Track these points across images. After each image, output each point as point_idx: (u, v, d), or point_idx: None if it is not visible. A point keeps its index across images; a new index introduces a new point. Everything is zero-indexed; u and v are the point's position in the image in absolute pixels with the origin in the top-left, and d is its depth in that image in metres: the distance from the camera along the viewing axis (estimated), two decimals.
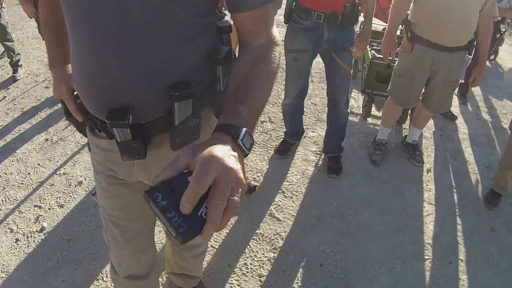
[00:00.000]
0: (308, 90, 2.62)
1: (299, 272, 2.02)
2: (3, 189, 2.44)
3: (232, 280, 1.95)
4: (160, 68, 0.83)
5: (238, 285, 1.93)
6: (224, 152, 0.55)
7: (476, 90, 4.11)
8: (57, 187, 2.46)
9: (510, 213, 2.51)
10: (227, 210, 0.51)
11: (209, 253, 2.05)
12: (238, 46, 0.91)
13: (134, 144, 0.89)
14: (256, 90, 0.74)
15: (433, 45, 2.28)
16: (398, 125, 3.24)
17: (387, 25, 2.53)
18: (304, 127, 2.92)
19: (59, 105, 3.25)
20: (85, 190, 2.42)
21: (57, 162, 2.68)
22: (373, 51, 3.42)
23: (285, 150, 2.80)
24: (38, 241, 2.10)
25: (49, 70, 3.59)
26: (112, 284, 1.85)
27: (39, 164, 2.65)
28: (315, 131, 3.12)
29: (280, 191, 2.52)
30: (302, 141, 2.97)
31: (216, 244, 2.11)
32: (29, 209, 2.30)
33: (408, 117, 3.26)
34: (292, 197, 2.47)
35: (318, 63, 3.39)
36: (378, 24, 4.28)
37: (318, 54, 2.38)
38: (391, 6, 2.41)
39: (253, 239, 2.17)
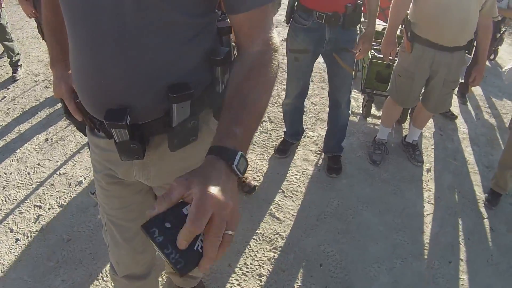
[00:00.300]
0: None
1: (299, 271, 2.02)
2: (3, 189, 2.44)
3: (232, 280, 1.95)
4: (158, 69, 0.83)
5: (238, 284, 1.93)
6: (218, 188, 0.56)
7: (476, 90, 4.11)
8: (57, 187, 2.46)
9: (510, 212, 2.51)
10: (223, 243, 0.54)
11: None
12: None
13: (132, 144, 0.89)
14: (251, 106, 0.71)
15: (433, 45, 2.28)
16: (398, 125, 3.24)
17: (387, 25, 2.53)
18: (304, 126, 2.92)
19: (59, 105, 3.26)
20: (85, 190, 2.42)
21: (57, 162, 2.68)
22: (373, 50, 3.42)
23: (285, 150, 2.80)
24: (38, 241, 2.10)
25: (49, 70, 3.58)
26: (112, 284, 1.85)
27: (39, 164, 2.65)
28: (315, 130, 3.12)
29: (280, 190, 2.52)
30: (302, 141, 2.97)
31: None
32: (29, 209, 2.30)
33: (408, 117, 3.26)
34: (292, 197, 2.47)
35: (318, 62, 3.38)
36: (378, 24, 4.24)
37: (320, 55, 2.37)
38: (391, 6, 2.41)
39: (253, 238, 2.17)
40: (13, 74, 3.70)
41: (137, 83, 0.83)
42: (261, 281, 1.96)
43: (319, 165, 2.76)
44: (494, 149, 3.16)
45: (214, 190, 0.55)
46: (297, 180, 2.61)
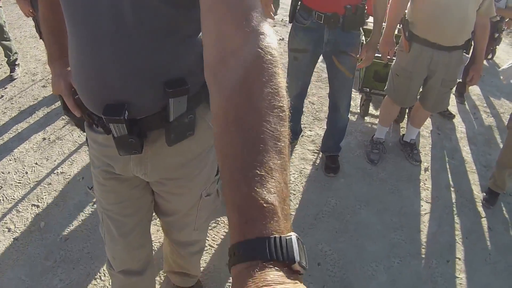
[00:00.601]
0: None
1: None
2: (0, 188, 2.43)
3: (230, 280, 1.95)
4: (155, 68, 0.85)
5: None
6: None
7: (474, 89, 4.12)
8: (54, 186, 2.45)
9: (508, 212, 2.52)
10: None
11: (207, 253, 2.05)
12: None
13: (130, 139, 0.90)
14: (270, 151, 0.44)
15: (431, 44, 2.28)
16: (396, 124, 3.24)
17: (385, 24, 2.53)
18: (302, 126, 2.92)
19: (57, 104, 3.25)
20: (83, 190, 2.41)
21: (55, 161, 2.67)
22: None
23: None
24: (35, 241, 2.09)
25: (46, 69, 3.57)
26: (110, 284, 1.85)
27: (36, 163, 2.65)
28: (312, 130, 3.12)
29: None
30: (300, 140, 2.97)
31: (214, 243, 2.11)
32: (27, 208, 2.29)
33: (406, 116, 3.27)
34: (289, 196, 2.47)
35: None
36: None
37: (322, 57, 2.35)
38: (389, 5, 2.41)
39: None
40: (11, 73, 3.69)
41: (135, 82, 0.85)
42: None
43: (316, 164, 2.76)
44: (492, 148, 3.17)
45: None
46: (295, 179, 2.61)
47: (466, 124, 3.46)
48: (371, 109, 3.43)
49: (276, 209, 0.39)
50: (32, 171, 2.58)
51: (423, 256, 2.16)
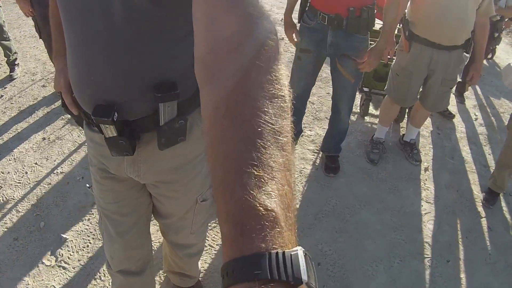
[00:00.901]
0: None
1: None
2: (0, 188, 2.43)
3: None
4: (145, 70, 0.85)
5: None
6: None
7: (474, 89, 4.12)
8: (54, 186, 2.45)
9: (508, 212, 2.52)
10: None
11: (207, 253, 2.05)
12: None
13: (120, 141, 0.90)
14: (270, 147, 0.39)
15: (431, 44, 2.28)
16: (396, 124, 3.24)
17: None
18: (302, 126, 2.92)
19: (56, 104, 3.25)
20: (83, 189, 2.41)
21: (55, 161, 2.67)
22: None
23: None
24: (35, 241, 2.09)
25: (46, 69, 3.57)
26: (110, 284, 1.85)
27: (36, 163, 2.65)
28: (312, 129, 3.12)
29: None
30: (300, 140, 2.97)
31: (214, 243, 2.11)
32: (27, 208, 2.29)
33: (406, 116, 3.26)
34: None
35: None
36: (376, 23, 4.27)
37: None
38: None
39: None
40: (11, 73, 3.69)
41: (124, 82, 0.85)
42: None
43: (316, 164, 2.76)
44: (491, 148, 3.17)
45: None
46: (295, 179, 2.61)
47: (466, 124, 3.46)
48: (371, 109, 3.43)
49: (277, 217, 0.33)
50: (32, 171, 2.58)
51: (423, 256, 2.16)
